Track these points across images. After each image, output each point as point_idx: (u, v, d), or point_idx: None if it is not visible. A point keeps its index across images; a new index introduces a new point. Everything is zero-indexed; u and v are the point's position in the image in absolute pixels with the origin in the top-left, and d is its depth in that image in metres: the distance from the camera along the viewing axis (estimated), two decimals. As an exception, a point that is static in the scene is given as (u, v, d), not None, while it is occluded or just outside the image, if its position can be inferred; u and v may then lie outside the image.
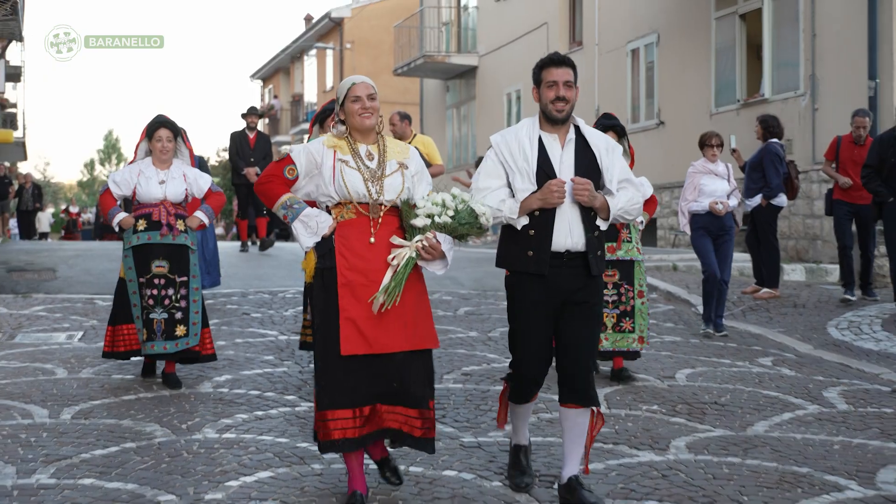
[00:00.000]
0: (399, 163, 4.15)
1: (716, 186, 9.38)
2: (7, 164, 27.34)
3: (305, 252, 3.98)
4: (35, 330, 9.58)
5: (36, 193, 27.59)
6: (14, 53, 25.39)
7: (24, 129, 33.20)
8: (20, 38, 18.82)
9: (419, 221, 3.91)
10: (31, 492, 4.83)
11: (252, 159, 12.78)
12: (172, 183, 6.43)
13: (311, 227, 3.99)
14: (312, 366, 6.16)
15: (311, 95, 36.60)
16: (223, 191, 9.46)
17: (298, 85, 38.49)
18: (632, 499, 4.66)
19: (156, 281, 6.32)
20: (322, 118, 6.47)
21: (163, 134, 6.38)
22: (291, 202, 4.05)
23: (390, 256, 3.92)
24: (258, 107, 15.45)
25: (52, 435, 5.85)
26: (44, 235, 31.09)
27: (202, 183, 6.61)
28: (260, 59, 43.19)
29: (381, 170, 4.08)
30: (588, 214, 4.11)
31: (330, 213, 4.05)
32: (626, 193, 4.21)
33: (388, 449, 4.34)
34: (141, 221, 6.34)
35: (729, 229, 9.43)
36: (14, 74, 30.07)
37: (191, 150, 6.91)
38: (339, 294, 3.91)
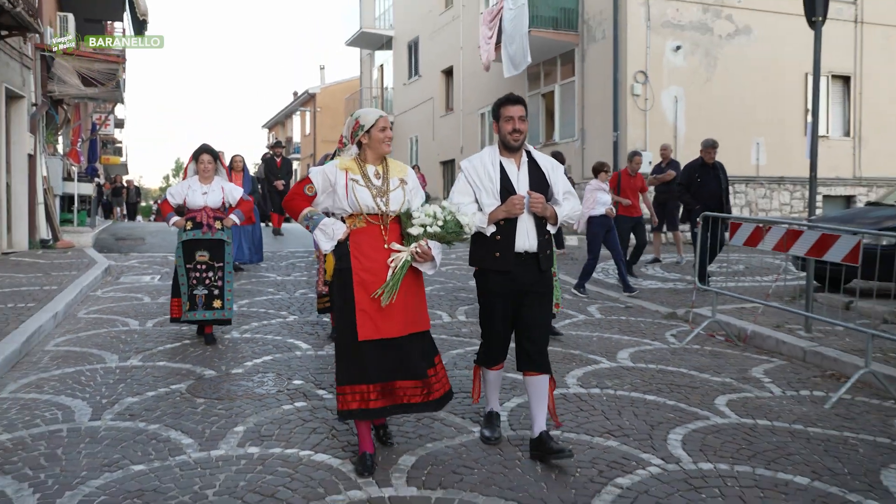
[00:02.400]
0: (400, 179, 4.08)
1: (606, 198, 10.09)
2: (119, 175, 37.87)
3: (325, 255, 3.98)
4: (132, 274, 11.94)
5: (135, 193, 36.21)
6: (119, 109, 33.87)
7: (126, 155, 47.99)
8: (122, 101, 23.37)
9: (414, 230, 3.88)
10: (130, 370, 6.21)
11: (279, 175, 15.51)
12: (212, 194, 6.93)
13: (328, 234, 3.90)
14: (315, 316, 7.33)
15: (297, 137, 48.26)
16: (254, 196, 11.68)
17: (290, 131, 50.25)
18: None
19: (199, 266, 6.81)
20: (334, 156, 6.80)
21: (205, 158, 6.92)
22: (311, 214, 3.98)
23: (389, 259, 3.90)
24: (280, 141, 17.82)
25: (140, 336, 7.29)
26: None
27: (236, 193, 7.11)
28: (267, 115, 51.15)
29: (386, 186, 3.99)
30: (540, 222, 4.18)
31: (344, 222, 3.99)
32: (569, 203, 4.29)
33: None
34: (188, 223, 6.84)
35: (613, 225, 10.11)
36: (120, 122, 41.09)
37: (226, 169, 7.48)
38: (355, 290, 3.87)
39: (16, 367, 6.10)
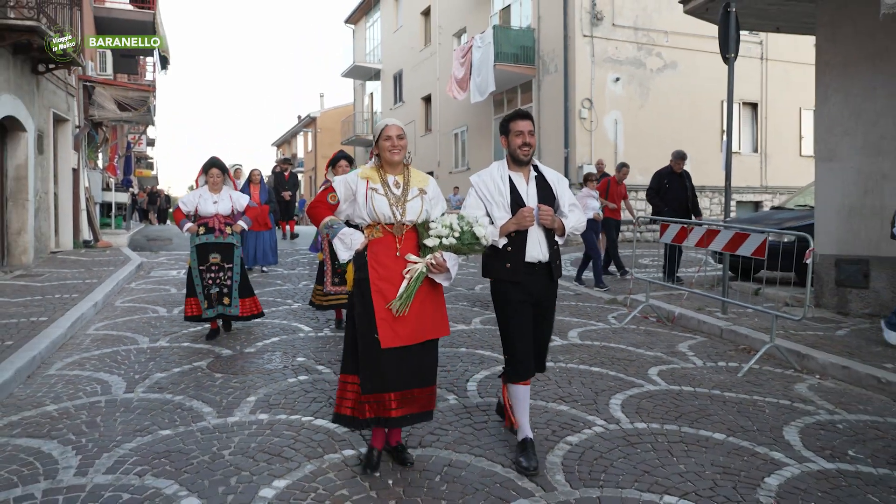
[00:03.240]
0: (420, 189, 3.49)
1: (595, 204, 10.10)
2: (153, 185, 37.82)
3: (345, 265, 3.38)
4: (161, 269, 11.71)
5: (165, 200, 35.65)
6: (150, 130, 32.61)
7: (157, 169, 47.89)
8: (153, 123, 22.85)
9: (430, 241, 3.32)
10: (158, 350, 6.16)
11: (286, 187, 15.02)
12: (222, 202, 6.45)
13: (346, 244, 3.36)
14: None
15: (300, 154, 47.51)
16: (270, 204, 11.45)
17: (294, 148, 49.98)
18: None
19: (213, 267, 6.36)
20: (333, 163, 6.60)
21: (214, 171, 6.46)
22: (332, 223, 3.44)
23: (405, 270, 3.35)
24: (289, 158, 17.32)
25: (168, 322, 7.21)
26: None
27: (243, 201, 6.63)
28: (276, 135, 51.41)
29: (405, 195, 3.42)
30: (550, 233, 3.65)
31: (363, 232, 3.43)
32: (574, 215, 3.73)
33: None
34: (201, 228, 6.35)
35: (599, 227, 10.13)
36: (151, 141, 41.19)
37: (234, 182, 7.02)
38: (374, 299, 3.31)
39: (62, 349, 5.99)
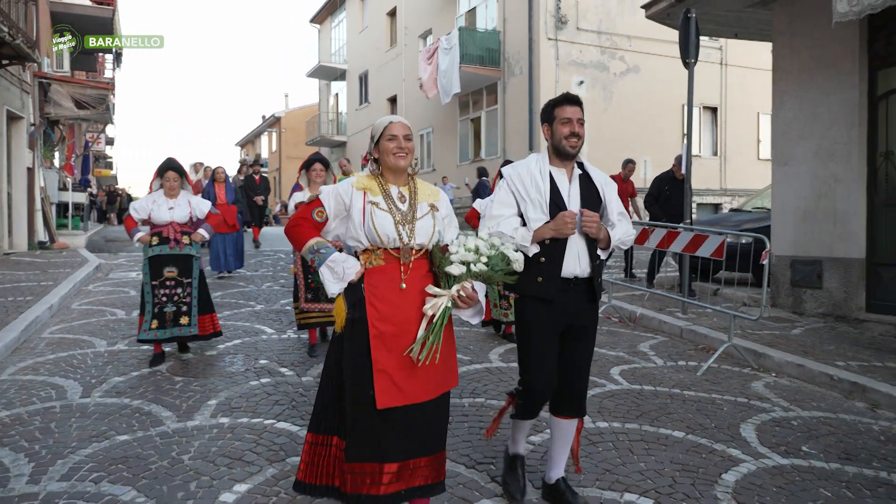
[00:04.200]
0: (430, 205, 2.78)
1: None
2: (112, 185, 36.35)
3: (334, 299, 2.63)
4: (120, 271, 11.43)
5: (126, 200, 34.08)
6: (109, 129, 32.13)
7: (116, 168, 46.17)
8: (112, 122, 21.95)
9: (455, 269, 2.61)
10: (117, 354, 6.01)
11: (258, 191, 14.35)
12: (179, 209, 5.70)
13: (337, 273, 2.62)
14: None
15: (265, 154, 45.61)
16: (237, 204, 10.90)
17: (258, 149, 48.22)
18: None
19: (167, 283, 5.59)
20: (307, 166, 6.01)
21: (170, 175, 5.71)
22: (319, 246, 2.66)
23: (427, 306, 2.61)
24: (259, 159, 16.23)
25: (127, 324, 7.03)
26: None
27: (203, 207, 5.86)
28: (240, 135, 50.83)
29: (412, 212, 2.71)
30: (592, 245, 3.03)
31: (358, 259, 2.70)
32: (623, 226, 3.11)
33: None
34: (154, 238, 5.61)
35: None
36: (110, 140, 39.26)
37: (192, 185, 6.26)
38: (372, 346, 2.59)
39: (15, 353, 5.82)
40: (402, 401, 2.59)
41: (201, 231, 5.84)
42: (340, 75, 30.71)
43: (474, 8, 20.21)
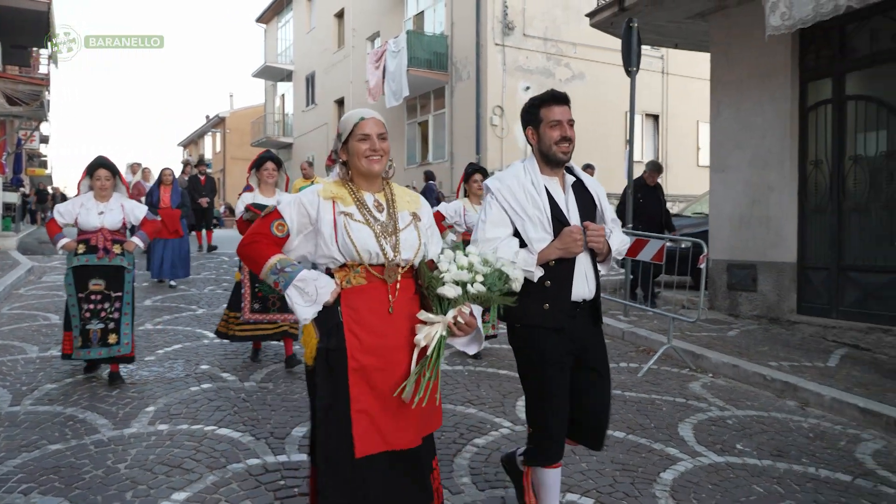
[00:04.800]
0: (412, 214, 2.40)
1: None
2: (42, 183, 35.24)
3: (302, 325, 2.21)
4: (54, 273, 10.87)
5: (61, 199, 32.60)
6: (44, 126, 30.46)
7: (51, 167, 45.18)
8: (47, 119, 20.99)
9: (450, 291, 2.21)
10: (49, 360, 5.77)
11: (203, 193, 13.68)
12: (110, 214, 5.09)
13: (308, 294, 2.23)
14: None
15: (208, 154, 43.59)
16: (183, 209, 10.19)
17: (202, 149, 46.53)
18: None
19: (93, 297, 4.97)
20: (257, 165, 5.50)
21: (101, 173, 5.10)
22: (282, 264, 2.26)
23: (419, 336, 2.23)
24: (204, 159, 15.10)
25: (61, 330, 6.54)
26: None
27: (138, 213, 5.25)
28: (182, 135, 49.34)
29: (393, 223, 2.33)
30: (594, 261, 2.72)
31: (333, 277, 2.30)
32: (618, 233, 2.80)
33: None
34: (81, 246, 5.02)
35: None
36: (45, 138, 37.43)
37: (126, 186, 5.73)
38: (350, 381, 2.20)
39: (-61, 359, 5.56)
40: (384, 446, 2.22)
41: (135, 239, 5.23)
42: (287, 76, 30.33)
43: (422, 12, 20.25)
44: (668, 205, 19.91)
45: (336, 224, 2.27)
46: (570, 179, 2.74)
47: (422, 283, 2.31)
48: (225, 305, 5.80)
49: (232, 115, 41.12)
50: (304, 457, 3.61)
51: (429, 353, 2.22)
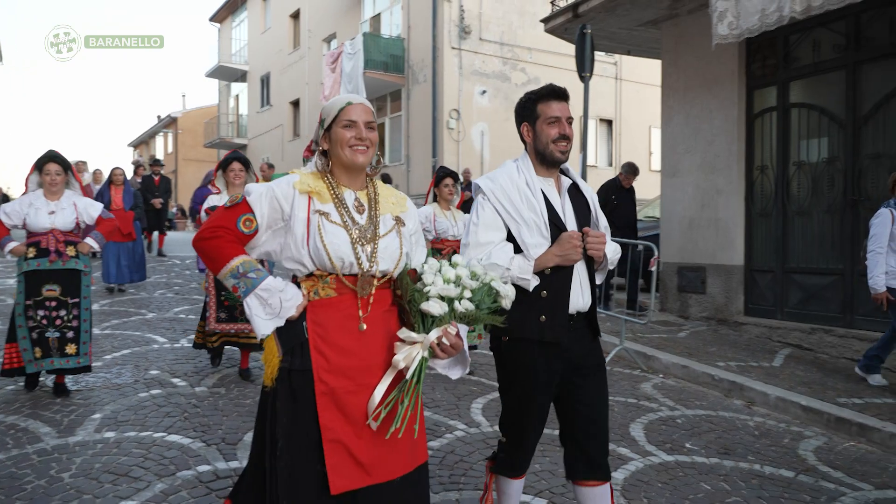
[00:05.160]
0: (395, 218, 2.12)
1: None
2: None
3: (261, 340, 1.92)
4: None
5: (2, 199, 31.35)
6: None
7: None
8: None
9: (435, 307, 1.94)
10: None
11: (157, 193, 13.12)
12: (62, 213, 4.71)
13: (271, 307, 1.95)
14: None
15: (160, 155, 42.58)
16: (136, 210, 9.55)
17: (153, 150, 45.54)
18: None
19: (47, 303, 4.62)
20: (224, 166, 5.19)
21: (52, 168, 4.71)
22: (246, 268, 1.96)
23: (398, 356, 1.94)
24: (159, 159, 14.26)
25: (2, 336, 6.46)
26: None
27: (92, 211, 4.82)
28: (133, 135, 47.86)
29: (374, 227, 2.04)
30: (590, 270, 2.54)
31: (299, 287, 2.02)
32: (610, 243, 2.59)
33: None
34: (31, 249, 4.65)
35: None
36: None
37: (80, 183, 5.28)
38: (319, 406, 1.91)
39: None
40: (364, 480, 1.93)
41: (90, 240, 4.82)
42: (241, 76, 29.90)
43: (379, 14, 20.19)
44: (622, 208, 20.41)
45: (310, 223, 1.98)
46: (567, 182, 2.57)
47: (402, 295, 2.02)
48: (200, 320, 5.49)
49: (184, 116, 40.41)
50: (256, 462, 3.56)
51: (408, 375, 1.93)
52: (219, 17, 31.77)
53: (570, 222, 2.49)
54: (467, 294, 1.97)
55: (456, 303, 1.96)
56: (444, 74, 17.33)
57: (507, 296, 2.05)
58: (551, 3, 9.82)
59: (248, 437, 3.92)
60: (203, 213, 5.19)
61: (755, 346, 6.65)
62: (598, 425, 2.51)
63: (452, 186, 5.57)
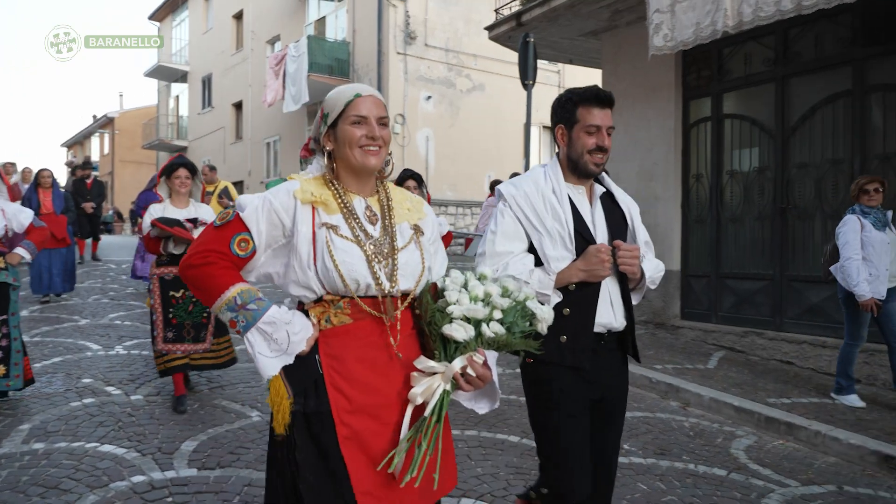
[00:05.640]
0: (413, 227, 1.84)
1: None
2: None
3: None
4: None
5: None
6: None
7: None
8: None
9: (459, 332, 1.64)
10: None
11: (88, 197, 12.18)
12: None
13: (277, 342, 1.65)
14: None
15: (95, 156, 41.37)
16: (68, 214, 8.75)
17: (88, 151, 44.20)
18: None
19: None
20: (168, 172, 4.72)
21: None
22: (245, 299, 1.65)
23: (416, 390, 1.67)
24: (90, 161, 13.13)
25: None
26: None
27: (22, 218, 4.45)
28: (67, 135, 45.64)
29: (390, 240, 1.75)
30: (625, 286, 2.30)
31: (307, 315, 1.72)
32: (651, 259, 2.41)
33: None
34: None
35: None
36: None
37: (8, 187, 4.98)
38: (345, 455, 1.64)
39: None
40: None
41: (20, 250, 4.43)
42: (182, 77, 29.22)
43: (324, 17, 20.04)
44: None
45: (315, 240, 1.68)
46: (600, 190, 2.34)
47: (421, 315, 1.72)
48: (136, 350, 5.17)
49: (122, 116, 39.20)
50: (194, 472, 3.48)
51: (427, 412, 1.65)
52: (159, 15, 31.01)
53: (601, 234, 2.26)
54: (497, 315, 1.67)
55: (484, 326, 1.65)
56: (389, 79, 17.30)
57: (545, 318, 1.75)
58: (495, 11, 9.94)
59: (185, 445, 3.85)
60: (147, 224, 4.52)
61: (691, 349, 6.84)
62: (609, 466, 2.31)
63: (416, 189, 5.26)
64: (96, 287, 10.03)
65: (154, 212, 4.58)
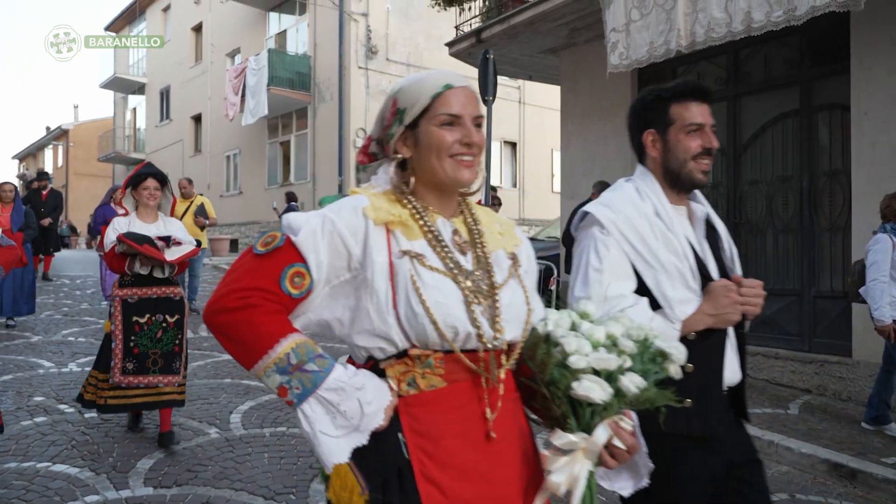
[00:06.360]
0: (511, 256, 1.38)
1: None
2: None
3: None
4: None
5: None
6: None
7: None
8: None
9: (595, 391, 1.17)
10: None
11: (43, 210, 11.49)
12: None
13: (346, 414, 1.18)
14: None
15: (49, 169, 39.57)
16: (28, 231, 8.01)
17: (41, 163, 43.12)
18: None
19: None
20: (134, 183, 4.23)
21: None
22: (302, 357, 1.17)
23: (554, 479, 1.19)
24: (46, 172, 12.22)
25: None
26: None
27: None
28: (19, 147, 44.68)
29: (487, 273, 1.30)
30: (743, 331, 1.83)
31: (384, 376, 1.24)
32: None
33: None
34: None
35: None
36: None
37: None
38: None
39: None
40: None
41: None
42: (139, 89, 28.76)
43: (285, 31, 19.98)
44: (526, 228, 20.95)
45: (395, 274, 1.24)
46: (700, 210, 1.89)
47: (536, 373, 1.28)
48: (90, 367, 4.43)
49: (77, 128, 38.40)
50: (150, 490, 3.42)
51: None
52: (115, 26, 30.50)
53: (713, 268, 1.80)
54: (627, 362, 1.24)
55: (621, 379, 1.22)
56: (350, 93, 17.31)
57: (678, 359, 1.31)
58: (456, 27, 10.05)
59: (141, 463, 3.78)
60: (112, 238, 4.02)
61: (648, 360, 6.95)
62: None
63: None
64: (49, 303, 9.77)
65: (119, 226, 4.10)
